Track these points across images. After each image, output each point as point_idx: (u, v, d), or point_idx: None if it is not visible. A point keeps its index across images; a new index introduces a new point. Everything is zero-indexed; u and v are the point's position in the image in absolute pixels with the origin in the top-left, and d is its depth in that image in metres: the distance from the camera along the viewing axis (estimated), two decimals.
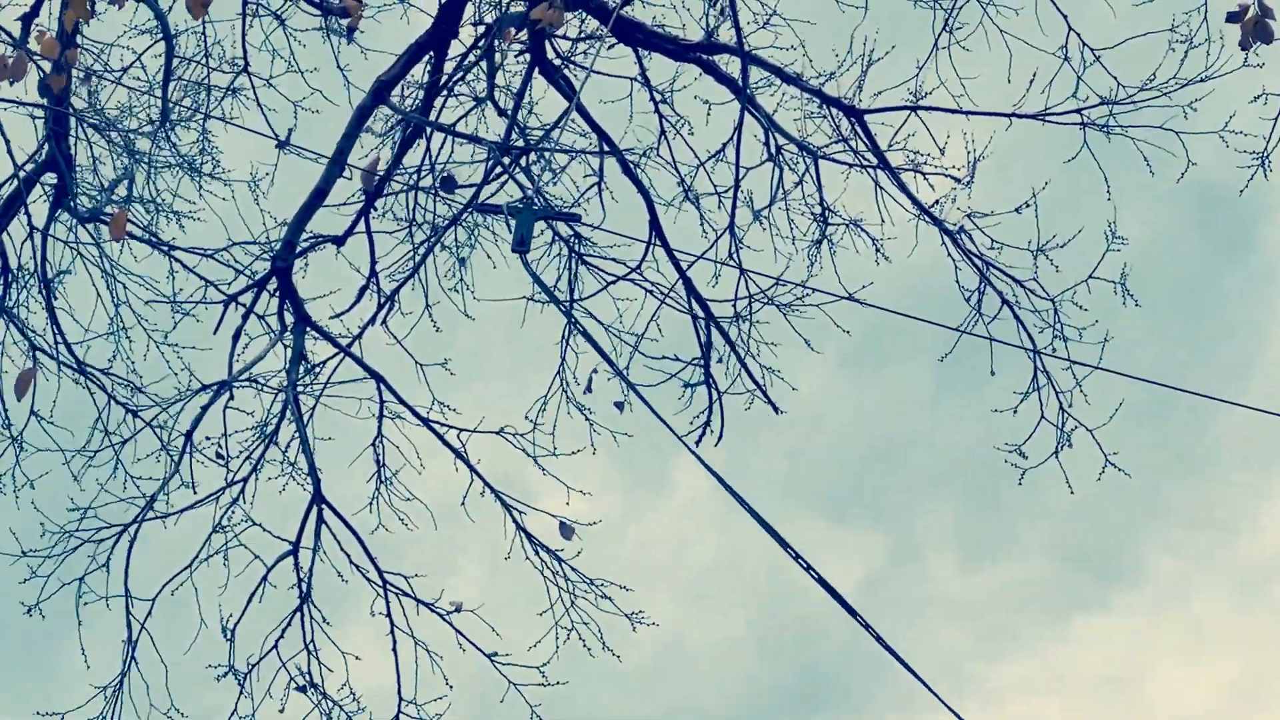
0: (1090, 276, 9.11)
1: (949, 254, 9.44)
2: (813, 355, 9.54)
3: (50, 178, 9.32)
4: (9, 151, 8.99)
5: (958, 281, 9.46)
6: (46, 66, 8.26)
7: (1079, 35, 8.67)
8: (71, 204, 9.37)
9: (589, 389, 9.45)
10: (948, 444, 13.56)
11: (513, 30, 8.69)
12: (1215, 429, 13.62)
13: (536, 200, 9.08)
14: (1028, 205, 9.00)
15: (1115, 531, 14.86)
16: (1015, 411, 9.40)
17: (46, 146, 9.17)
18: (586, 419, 9.55)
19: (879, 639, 6.82)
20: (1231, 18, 7.08)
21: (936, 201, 9.37)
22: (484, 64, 9.35)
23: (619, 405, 9.48)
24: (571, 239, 9.75)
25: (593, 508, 8.90)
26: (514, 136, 9.33)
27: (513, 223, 8.51)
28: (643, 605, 8.84)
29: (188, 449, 8.80)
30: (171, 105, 9.65)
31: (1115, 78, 8.67)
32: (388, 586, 8.80)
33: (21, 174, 9.18)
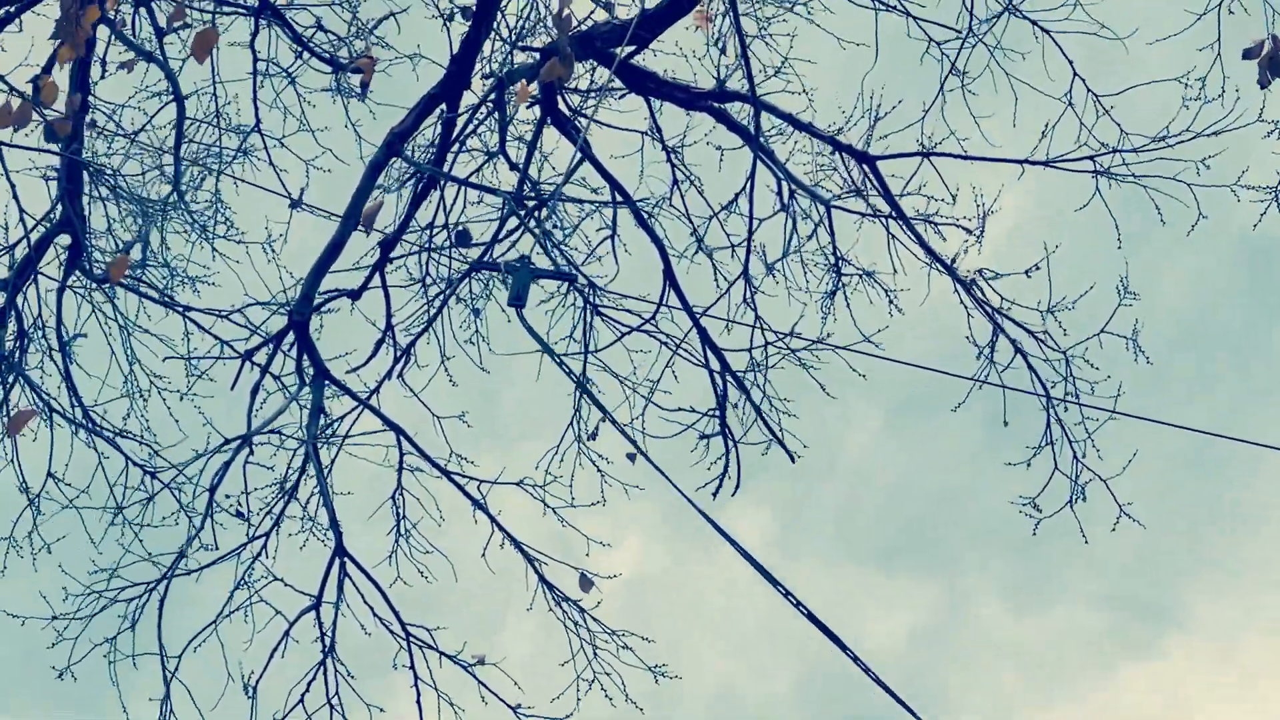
0: (1102, 331, 9.14)
1: (961, 302, 9.49)
2: (862, 413, 9.56)
3: (64, 239, 9.32)
4: (20, 214, 9.02)
5: (970, 335, 9.48)
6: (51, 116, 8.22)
7: (1084, 81, 8.75)
8: (86, 265, 9.37)
9: (594, 435, 9.48)
10: (995, 496, 13.74)
11: (524, 82, 8.73)
12: (1262, 480, 13.81)
13: (534, 257, 9.06)
14: (1037, 268, 9.04)
15: (1163, 579, 15.04)
16: (1029, 465, 9.45)
17: (60, 207, 9.17)
18: (598, 470, 9.55)
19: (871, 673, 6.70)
20: (1248, 54, 7.18)
21: (954, 260, 9.42)
22: (495, 117, 9.38)
23: (631, 457, 9.47)
24: (586, 289, 9.77)
25: (640, 563, 8.88)
26: (526, 189, 9.36)
27: (509, 279, 8.52)
28: (689, 660, 8.82)
29: (210, 506, 8.77)
30: (184, 167, 9.66)
31: (1119, 125, 8.73)
32: (410, 639, 8.77)
33: (35, 235, 9.19)
